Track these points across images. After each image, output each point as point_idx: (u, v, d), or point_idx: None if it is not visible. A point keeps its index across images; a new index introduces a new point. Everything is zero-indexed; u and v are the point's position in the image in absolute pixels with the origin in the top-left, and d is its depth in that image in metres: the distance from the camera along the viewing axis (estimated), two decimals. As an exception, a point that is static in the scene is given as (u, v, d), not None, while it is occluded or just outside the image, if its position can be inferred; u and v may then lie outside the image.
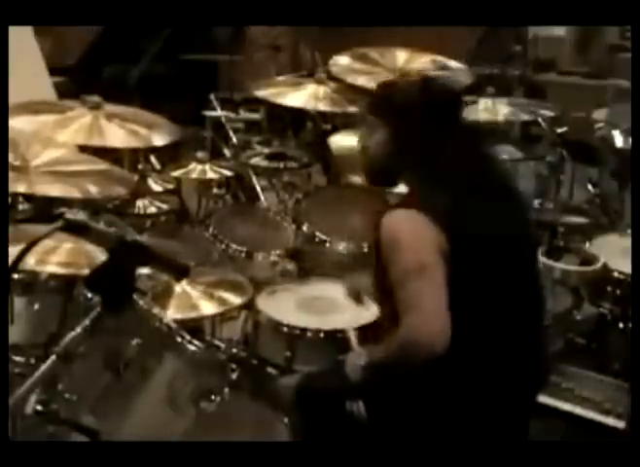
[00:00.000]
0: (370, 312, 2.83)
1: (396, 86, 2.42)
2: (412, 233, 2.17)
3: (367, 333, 2.72)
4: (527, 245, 2.42)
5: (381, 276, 2.26)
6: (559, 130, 4.35)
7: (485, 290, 2.21)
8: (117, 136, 3.14)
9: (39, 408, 2.17)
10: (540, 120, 4.32)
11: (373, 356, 2.22)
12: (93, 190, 2.75)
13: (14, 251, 1.93)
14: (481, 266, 2.20)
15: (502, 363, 2.25)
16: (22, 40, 3.90)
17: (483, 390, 2.23)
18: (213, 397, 2.36)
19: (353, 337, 2.66)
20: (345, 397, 2.30)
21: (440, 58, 4.09)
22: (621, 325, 3.31)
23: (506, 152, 4.14)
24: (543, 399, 2.68)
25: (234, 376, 2.44)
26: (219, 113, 4.63)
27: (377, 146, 2.37)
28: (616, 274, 3.28)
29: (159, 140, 3.24)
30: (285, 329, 2.81)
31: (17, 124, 2.96)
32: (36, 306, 2.85)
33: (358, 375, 2.21)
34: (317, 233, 3.35)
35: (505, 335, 2.25)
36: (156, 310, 2.39)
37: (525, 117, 4.31)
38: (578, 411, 2.86)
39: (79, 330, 1.90)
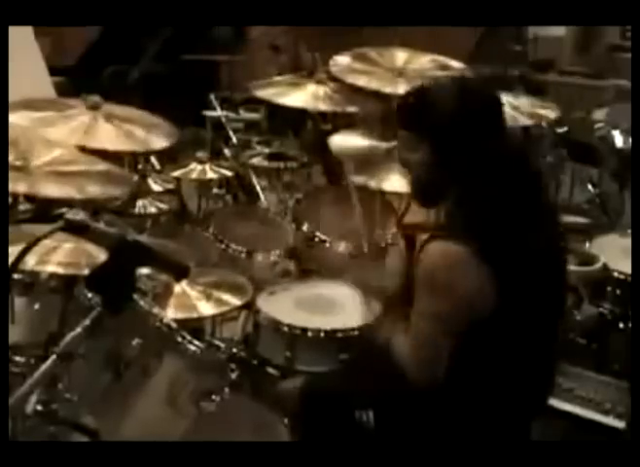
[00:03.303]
0: (371, 311, 2.83)
1: (428, 94, 2.20)
2: (450, 277, 2.10)
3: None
4: (561, 265, 2.36)
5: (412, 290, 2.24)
6: (559, 130, 4.34)
7: (519, 310, 2.17)
8: (110, 138, 3.12)
9: (39, 408, 2.17)
10: (540, 119, 4.32)
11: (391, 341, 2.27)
12: (93, 190, 2.74)
13: (14, 251, 1.93)
14: (520, 290, 2.15)
15: (515, 371, 2.24)
16: (22, 40, 3.90)
17: (495, 402, 2.23)
18: (213, 397, 2.36)
19: None
20: (351, 399, 2.31)
21: (440, 58, 4.09)
22: (621, 325, 3.31)
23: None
24: (543, 399, 2.67)
25: (234, 376, 2.44)
26: (219, 113, 4.62)
27: (419, 164, 2.19)
28: (616, 274, 3.28)
29: (156, 144, 3.23)
30: (285, 329, 2.81)
31: (13, 119, 2.96)
32: (36, 306, 2.85)
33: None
34: (317, 234, 3.35)
35: (522, 347, 2.23)
36: (156, 310, 2.40)
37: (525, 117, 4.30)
38: (578, 411, 2.86)
39: (79, 330, 1.90)
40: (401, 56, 4.11)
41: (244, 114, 4.86)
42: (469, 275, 2.09)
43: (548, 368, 2.38)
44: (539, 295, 2.21)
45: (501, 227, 2.15)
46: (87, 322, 1.90)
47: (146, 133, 3.20)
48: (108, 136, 3.12)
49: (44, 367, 1.88)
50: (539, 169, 2.38)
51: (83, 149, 3.07)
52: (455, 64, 4.09)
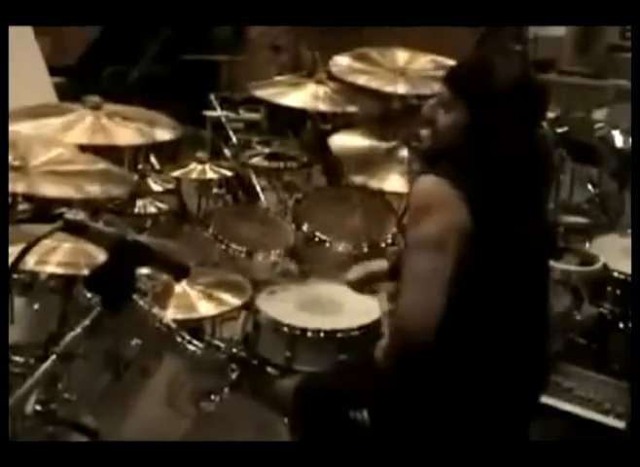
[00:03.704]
0: (370, 312, 2.83)
1: (490, 62, 2.26)
2: (440, 206, 2.14)
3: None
4: (542, 249, 2.40)
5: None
6: (559, 130, 4.34)
7: (496, 280, 2.21)
8: (121, 134, 3.15)
9: (39, 408, 2.17)
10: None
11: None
12: (92, 189, 2.74)
13: (14, 251, 1.93)
14: (497, 258, 2.19)
15: (505, 362, 2.25)
16: (22, 40, 3.90)
17: (487, 392, 2.23)
18: (213, 397, 2.36)
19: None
20: (347, 401, 2.31)
21: (440, 59, 4.09)
22: (621, 325, 3.31)
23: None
24: (543, 399, 2.68)
25: (234, 376, 2.44)
26: (219, 113, 4.62)
27: (446, 124, 2.24)
28: (616, 274, 3.29)
29: (162, 136, 3.25)
30: (285, 329, 2.81)
31: (21, 129, 2.96)
32: (36, 306, 2.85)
33: (383, 363, 2.25)
34: (317, 233, 3.35)
35: (509, 331, 2.25)
36: (156, 310, 2.39)
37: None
38: (578, 411, 2.86)
39: (79, 330, 1.90)
40: (401, 56, 4.11)
41: (244, 114, 4.86)
42: (456, 209, 2.12)
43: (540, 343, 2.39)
44: (519, 271, 2.24)
45: (492, 206, 2.18)
46: (86, 322, 1.90)
47: (150, 127, 3.22)
48: (118, 133, 3.14)
49: (44, 367, 1.88)
50: (552, 168, 2.43)
51: (85, 148, 3.09)
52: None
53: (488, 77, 2.21)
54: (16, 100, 3.25)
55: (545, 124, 4.27)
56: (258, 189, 4.09)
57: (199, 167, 3.89)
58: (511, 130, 2.21)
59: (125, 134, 3.17)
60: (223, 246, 3.28)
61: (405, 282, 2.18)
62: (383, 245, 3.35)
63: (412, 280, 2.17)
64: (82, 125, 3.14)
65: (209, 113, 4.62)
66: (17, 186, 2.64)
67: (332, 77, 4.03)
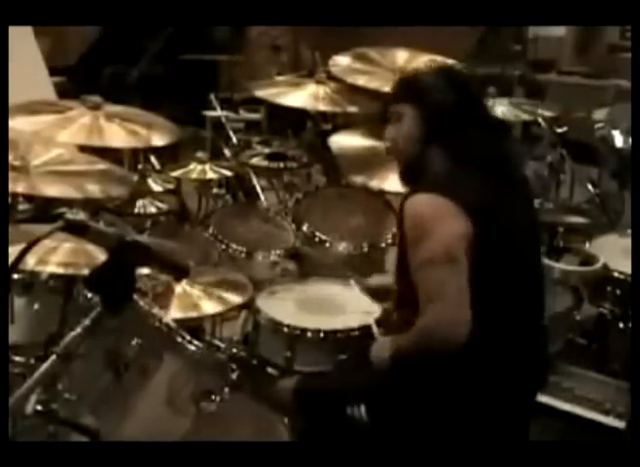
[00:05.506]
0: (371, 312, 2.83)
1: (423, 71, 2.43)
2: (439, 220, 2.17)
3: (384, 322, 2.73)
4: (536, 243, 2.45)
5: (405, 261, 2.26)
6: (559, 130, 4.35)
7: (498, 281, 2.23)
8: (116, 136, 3.14)
9: (39, 408, 2.17)
10: (540, 120, 4.32)
11: (397, 345, 2.26)
12: (93, 190, 2.74)
13: (14, 251, 1.93)
14: (498, 257, 2.22)
15: (505, 361, 2.25)
16: (22, 40, 3.90)
17: (486, 391, 2.23)
18: (213, 397, 2.36)
19: (375, 328, 2.67)
20: (345, 399, 2.31)
21: (440, 58, 4.09)
22: (621, 325, 3.31)
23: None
24: (542, 399, 2.68)
25: (234, 376, 2.44)
26: (219, 113, 4.63)
27: (407, 133, 2.35)
28: (616, 274, 3.28)
29: (158, 140, 3.24)
30: (285, 329, 2.81)
31: (16, 124, 2.95)
32: (36, 306, 2.85)
33: (385, 364, 2.25)
34: (317, 233, 3.35)
35: (510, 331, 2.25)
36: (156, 310, 2.39)
37: (525, 117, 4.32)
38: (578, 411, 2.86)
39: (79, 330, 1.90)
40: (401, 56, 4.11)
41: (244, 114, 4.87)
42: (455, 218, 2.16)
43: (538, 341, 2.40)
44: (515, 262, 2.27)
45: (478, 197, 2.22)
46: (87, 322, 1.90)
47: (148, 131, 3.21)
48: (114, 135, 3.12)
49: (44, 367, 1.88)
50: (514, 159, 2.49)
51: (85, 148, 3.08)
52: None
53: (419, 81, 2.37)
54: (16, 100, 3.25)
55: (544, 124, 4.30)
56: (258, 189, 4.09)
57: (199, 167, 3.89)
58: (462, 117, 2.30)
59: (121, 136, 3.15)
60: (223, 246, 3.28)
61: (427, 299, 2.18)
62: (383, 245, 3.35)
63: (435, 295, 2.17)
64: (77, 125, 3.12)
65: (209, 113, 4.63)
66: (17, 186, 2.64)
67: (332, 77, 4.03)
